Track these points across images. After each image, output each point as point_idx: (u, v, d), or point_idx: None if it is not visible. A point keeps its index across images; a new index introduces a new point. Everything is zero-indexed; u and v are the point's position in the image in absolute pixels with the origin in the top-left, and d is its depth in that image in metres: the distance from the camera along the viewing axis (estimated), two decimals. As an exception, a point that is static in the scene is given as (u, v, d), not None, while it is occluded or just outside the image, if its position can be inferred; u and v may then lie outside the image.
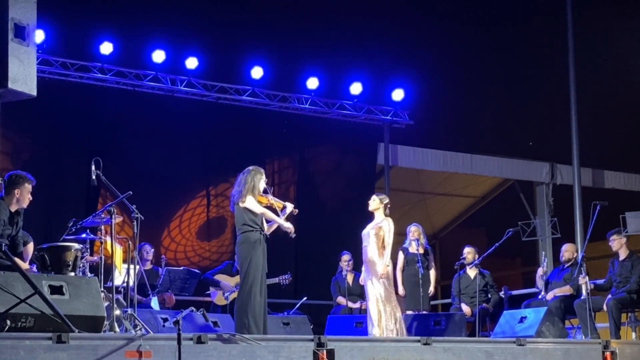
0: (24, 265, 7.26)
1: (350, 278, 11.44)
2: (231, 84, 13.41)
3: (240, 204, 7.99)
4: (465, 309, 10.78)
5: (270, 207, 8.22)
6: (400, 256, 11.09)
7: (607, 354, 7.95)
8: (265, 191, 8.23)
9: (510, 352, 7.41)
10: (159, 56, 12.61)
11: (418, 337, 7.11)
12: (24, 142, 12.09)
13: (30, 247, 7.75)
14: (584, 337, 9.52)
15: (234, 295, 10.41)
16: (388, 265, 8.87)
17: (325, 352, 6.29)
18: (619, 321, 9.75)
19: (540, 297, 10.57)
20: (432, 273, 11.01)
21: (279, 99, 13.82)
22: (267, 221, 8.19)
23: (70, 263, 7.08)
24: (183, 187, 13.32)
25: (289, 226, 8.19)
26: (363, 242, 9.03)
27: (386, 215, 9.02)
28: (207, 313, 7.22)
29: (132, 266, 8.34)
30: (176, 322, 5.69)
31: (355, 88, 14.22)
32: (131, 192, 8.03)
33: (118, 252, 8.58)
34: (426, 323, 10.09)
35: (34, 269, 7.49)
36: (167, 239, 13.12)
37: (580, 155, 14.18)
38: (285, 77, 13.77)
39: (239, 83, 13.48)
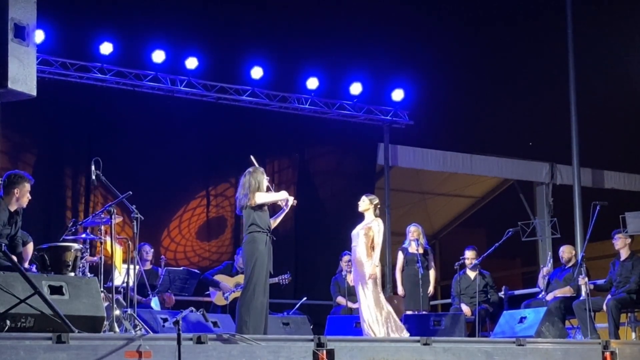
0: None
1: (350, 278, 11.42)
2: (231, 84, 13.41)
3: (250, 205, 7.99)
4: (465, 309, 10.79)
5: (273, 203, 8.28)
6: (400, 256, 11.09)
7: (607, 354, 7.95)
8: (267, 189, 8.26)
9: (510, 352, 7.41)
10: (158, 56, 12.61)
11: (418, 337, 7.11)
12: (24, 142, 12.09)
13: (30, 247, 7.75)
14: (583, 337, 9.53)
15: (234, 295, 10.43)
16: (377, 266, 8.85)
17: (325, 352, 6.29)
18: (619, 321, 9.76)
19: (540, 296, 10.58)
20: (432, 273, 11.01)
21: (279, 99, 13.81)
22: (273, 215, 8.26)
23: (70, 263, 7.08)
24: (183, 187, 13.32)
25: (289, 197, 8.23)
26: (352, 242, 9.00)
27: (376, 216, 8.99)
28: (206, 313, 7.22)
29: (131, 266, 8.35)
30: (176, 322, 5.69)
31: (355, 88, 14.22)
32: (131, 192, 8.04)
33: (118, 253, 8.59)
34: (426, 323, 10.09)
35: (34, 269, 7.50)
36: (167, 239, 13.12)
37: (580, 155, 14.18)
38: (285, 77, 13.76)
39: (238, 83, 13.47)
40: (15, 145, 11.95)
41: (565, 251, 10.68)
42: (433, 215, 17.76)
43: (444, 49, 15.65)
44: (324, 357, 6.26)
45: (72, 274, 7.04)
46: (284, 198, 8.26)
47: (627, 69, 15.49)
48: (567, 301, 10.13)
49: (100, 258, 8.03)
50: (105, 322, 6.50)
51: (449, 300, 11.73)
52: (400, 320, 10.65)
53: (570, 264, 10.55)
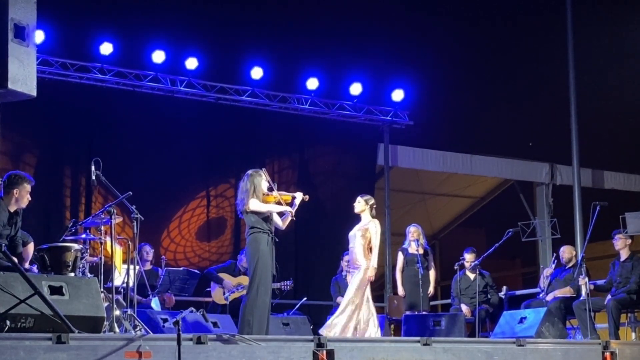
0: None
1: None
2: (231, 85, 13.41)
3: (247, 210, 8.03)
4: (465, 309, 10.79)
5: (280, 203, 8.26)
6: (400, 257, 11.10)
7: (607, 354, 7.95)
8: (270, 189, 8.26)
9: (510, 353, 7.40)
10: (158, 56, 12.61)
11: (418, 338, 7.10)
12: (24, 142, 12.08)
13: (30, 247, 7.75)
14: (583, 337, 9.53)
15: (234, 295, 10.43)
16: (375, 268, 8.82)
17: (325, 352, 6.29)
18: (619, 322, 9.76)
19: (540, 297, 10.59)
20: (432, 273, 11.02)
21: (279, 100, 13.81)
22: (281, 215, 8.26)
23: (70, 263, 7.08)
24: (183, 187, 13.32)
25: (289, 209, 8.22)
26: (350, 244, 8.96)
27: (372, 217, 8.93)
28: (206, 313, 7.22)
29: (131, 266, 8.35)
30: (176, 323, 5.69)
31: (355, 88, 14.21)
32: (131, 193, 8.04)
33: (118, 253, 8.59)
34: (426, 323, 10.09)
35: (35, 268, 7.49)
36: (167, 240, 13.12)
37: (580, 155, 14.18)
38: (285, 77, 13.76)
39: (238, 83, 13.47)
40: (15, 146, 11.95)
41: (565, 251, 10.68)
42: (433, 216, 17.76)
43: (444, 49, 15.65)
44: (324, 357, 6.26)
45: (72, 274, 7.04)
46: (276, 211, 8.21)
47: (627, 69, 15.49)
48: (567, 301, 10.13)
49: (100, 258, 8.03)
50: (105, 323, 6.49)
51: (449, 301, 11.73)
52: (401, 320, 10.70)
53: (570, 265, 10.55)
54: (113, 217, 7.91)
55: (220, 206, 13.57)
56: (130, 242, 8.44)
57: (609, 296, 9.89)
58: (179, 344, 5.58)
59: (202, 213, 13.50)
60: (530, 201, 16.53)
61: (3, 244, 7.06)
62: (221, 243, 13.52)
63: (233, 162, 13.36)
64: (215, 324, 8.36)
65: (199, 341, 5.87)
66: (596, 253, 14.68)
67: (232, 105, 13.53)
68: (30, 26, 5.86)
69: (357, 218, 9.24)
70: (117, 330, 7.45)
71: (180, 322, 5.70)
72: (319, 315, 12.11)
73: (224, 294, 10.64)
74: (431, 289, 10.94)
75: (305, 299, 11.54)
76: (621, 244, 10.07)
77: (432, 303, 12.32)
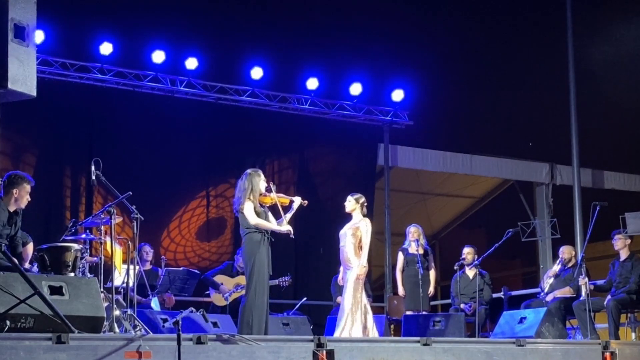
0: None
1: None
2: (231, 85, 13.41)
3: (241, 210, 8.04)
4: (466, 307, 10.82)
5: (275, 205, 8.25)
6: (400, 257, 11.11)
7: (607, 354, 7.94)
8: (268, 190, 8.25)
9: (510, 353, 7.40)
10: (158, 57, 12.61)
11: (418, 338, 7.10)
12: (24, 142, 12.09)
13: (30, 247, 7.75)
14: (583, 337, 9.53)
15: (234, 295, 10.43)
16: (365, 267, 8.81)
17: (324, 352, 6.29)
18: (619, 322, 9.76)
19: (540, 296, 10.59)
20: (432, 273, 11.03)
21: (279, 100, 13.81)
22: (285, 212, 8.25)
23: (70, 263, 7.08)
24: (183, 187, 13.32)
25: (287, 229, 8.21)
26: (340, 242, 8.95)
27: (364, 215, 8.92)
28: (206, 314, 7.21)
29: (131, 267, 8.35)
30: (176, 323, 5.69)
31: (355, 88, 14.21)
32: (131, 193, 8.03)
33: (118, 253, 8.59)
34: (426, 323, 10.09)
35: (35, 268, 7.50)
36: (167, 240, 13.12)
37: (580, 155, 14.18)
38: (285, 77, 13.76)
39: (238, 83, 13.47)
40: (15, 146, 11.95)
41: (565, 252, 10.68)
42: (433, 216, 17.76)
43: (444, 49, 15.66)
44: (324, 357, 6.26)
45: (72, 274, 7.04)
46: (274, 230, 8.16)
47: (627, 69, 15.49)
48: (567, 302, 10.13)
49: (100, 258, 8.03)
50: (105, 323, 6.49)
51: (449, 301, 11.73)
52: (401, 320, 10.70)
53: (570, 265, 10.55)
54: (113, 217, 7.91)
55: (220, 206, 13.57)
56: (130, 242, 8.44)
57: (609, 296, 9.89)
58: (179, 344, 5.58)
59: (202, 213, 13.50)
60: (530, 201, 16.53)
61: (3, 244, 7.06)
62: (221, 243, 13.52)
63: (233, 162, 13.35)
64: (215, 324, 8.36)
65: (199, 341, 5.87)
66: (596, 253, 14.68)
67: (232, 105, 13.53)
68: (30, 26, 5.87)
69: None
70: (117, 330, 7.45)
71: (180, 322, 5.70)
72: (319, 315, 12.11)
73: (222, 295, 10.65)
74: (431, 289, 10.95)
75: (305, 299, 11.54)
76: (621, 244, 10.06)
77: (432, 303, 12.32)
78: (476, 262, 10.55)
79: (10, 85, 5.69)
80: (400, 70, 14.74)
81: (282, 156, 14.29)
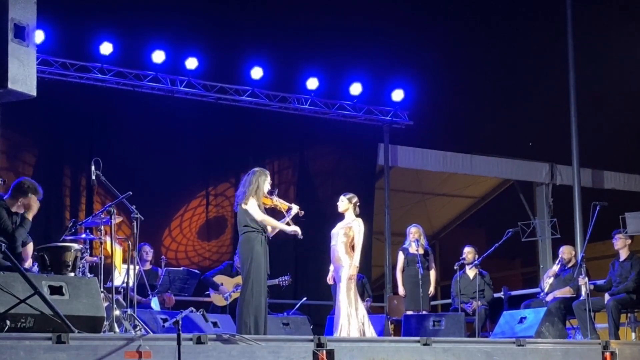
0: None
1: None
2: (231, 85, 13.41)
3: (243, 206, 7.99)
4: (468, 307, 10.82)
5: (274, 209, 8.24)
6: (401, 257, 11.11)
7: (607, 354, 7.94)
8: (270, 192, 8.24)
9: (510, 353, 7.41)
10: (158, 56, 12.61)
11: (418, 338, 7.11)
12: (24, 142, 12.08)
13: (30, 247, 7.75)
14: (583, 337, 9.53)
15: (234, 295, 10.43)
16: (357, 267, 8.80)
17: (325, 352, 6.29)
18: (619, 321, 9.76)
19: (540, 296, 10.59)
20: (432, 273, 11.03)
21: (279, 99, 13.81)
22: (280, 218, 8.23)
23: (70, 263, 7.08)
24: (183, 187, 13.32)
25: (294, 229, 8.20)
26: (332, 241, 8.94)
27: (357, 215, 8.91)
28: (206, 313, 7.21)
29: (131, 266, 8.34)
30: (176, 323, 5.69)
31: (355, 88, 14.21)
32: (131, 193, 8.03)
33: (118, 253, 8.59)
34: (426, 323, 10.09)
35: (35, 268, 7.49)
36: (168, 239, 13.13)
37: (580, 155, 14.18)
38: (285, 77, 13.76)
39: (238, 83, 13.47)
40: (15, 146, 11.94)
41: (565, 252, 10.68)
42: (433, 216, 17.76)
43: (444, 49, 15.65)
44: (324, 357, 6.26)
45: (72, 274, 7.04)
46: (278, 229, 8.16)
47: (627, 70, 15.49)
48: (567, 301, 10.13)
49: (100, 258, 8.03)
50: (105, 323, 6.49)
51: (449, 300, 11.74)
52: (401, 320, 10.70)
53: (570, 265, 10.55)
54: (113, 217, 7.91)
55: (221, 205, 13.57)
56: (130, 242, 8.44)
57: (607, 296, 9.89)
58: (178, 344, 5.58)
59: (204, 212, 13.51)
60: (530, 201, 16.54)
61: (3, 244, 7.06)
62: (222, 242, 13.53)
63: (233, 162, 13.36)
64: (215, 324, 8.36)
65: (198, 341, 5.87)
66: (596, 253, 14.69)
67: (232, 105, 13.54)
68: (30, 26, 5.86)
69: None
70: (117, 330, 7.45)
71: (180, 322, 5.70)
72: (319, 315, 12.11)
73: (222, 295, 10.65)
74: (432, 289, 10.96)
75: (305, 299, 11.54)
76: (621, 244, 10.06)
77: (432, 303, 12.33)
78: (476, 262, 10.55)
79: (10, 85, 5.69)
80: (400, 70, 14.74)
81: (282, 156, 14.29)
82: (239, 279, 10.41)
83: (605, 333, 9.79)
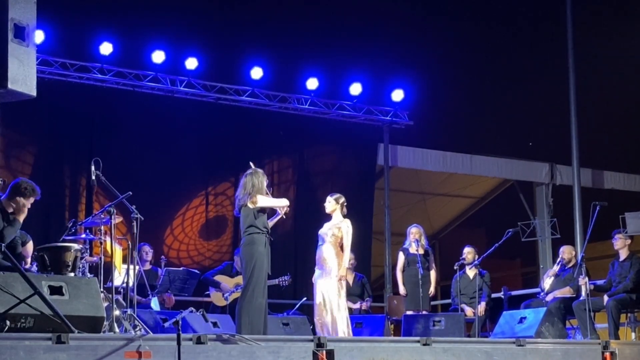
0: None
1: (350, 278, 11.43)
2: (231, 85, 13.41)
3: (250, 205, 7.96)
4: (468, 310, 10.81)
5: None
6: (401, 257, 11.11)
7: (607, 354, 7.95)
8: (266, 192, 8.25)
9: (510, 353, 7.41)
10: (158, 56, 12.60)
11: (418, 338, 7.11)
12: (24, 142, 12.08)
13: (30, 246, 7.75)
14: (582, 337, 9.53)
15: (234, 295, 10.43)
16: (346, 268, 8.78)
17: (324, 352, 6.29)
18: (619, 321, 9.76)
19: (540, 296, 10.59)
20: (432, 274, 11.04)
21: (279, 100, 13.81)
22: (269, 217, 8.23)
23: (70, 263, 7.08)
24: (183, 187, 13.32)
25: (284, 203, 8.22)
26: (319, 241, 8.89)
27: (344, 216, 8.87)
28: (206, 313, 7.21)
29: (131, 266, 8.34)
30: (176, 323, 5.69)
31: (355, 88, 14.21)
32: (131, 193, 8.03)
33: (118, 253, 8.59)
34: (426, 323, 10.09)
35: (34, 268, 7.49)
36: (170, 238, 13.14)
37: (580, 155, 14.18)
38: (284, 77, 13.76)
39: (238, 83, 13.47)
40: (15, 145, 11.94)
41: (565, 251, 10.68)
42: (433, 216, 17.76)
43: (444, 50, 15.66)
44: (324, 357, 6.26)
45: (72, 274, 7.04)
46: (285, 205, 8.23)
47: (627, 70, 15.49)
48: (567, 301, 10.13)
49: (100, 258, 8.03)
50: (105, 323, 6.50)
51: (449, 300, 11.74)
52: (401, 320, 10.71)
53: (570, 265, 10.55)
54: (113, 217, 7.91)
55: (221, 205, 13.58)
56: (129, 242, 8.44)
57: (605, 296, 9.89)
58: (178, 344, 5.58)
59: (204, 212, 13.52)
60: (530, 201, 16.53)
61: (2, 244, 7.06)
62: (222, 242, 13.53)
63: (233, 162, 13.34)
64: (215, 324, 8.36)
65: (198, 341, 5.87)
66: (596, 253, 14.67)
67: (232, 105, 13.53)
68: (30, 26, 5.86)
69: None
70: (117, 330, 7.46)
71: (180, 322, 5.70)
72: (318, 315, 12.09)
73: (223, 295, 10.65)
74: (431, 289, 10.96)
75: (305, 299, 11.53)
76: (620, 244, 10.06)
77: (432, 303, 12.33)
78: (476, 262, 10.55)
79: (10, 85, 5.69)
80: (400, 70, 14.74)
81: (281, 156, 14.29)
82: (239, 279, 10.41)
83: (605, 333, 9.79)
